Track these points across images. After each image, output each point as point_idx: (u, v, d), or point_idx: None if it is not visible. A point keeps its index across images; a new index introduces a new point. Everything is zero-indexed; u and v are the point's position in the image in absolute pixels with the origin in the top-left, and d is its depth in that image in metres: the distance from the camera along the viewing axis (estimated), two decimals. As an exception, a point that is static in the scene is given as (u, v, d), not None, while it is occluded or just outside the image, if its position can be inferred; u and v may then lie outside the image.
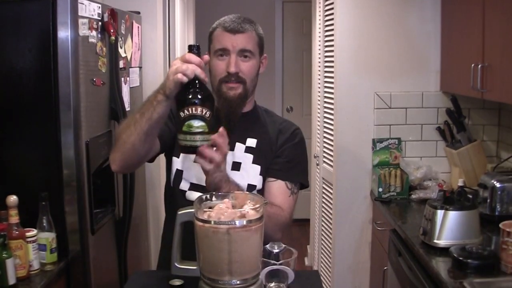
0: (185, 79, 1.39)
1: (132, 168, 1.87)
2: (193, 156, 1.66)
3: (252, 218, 1.37)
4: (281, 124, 1.88)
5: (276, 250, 1.54)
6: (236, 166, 1.76)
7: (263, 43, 1.80)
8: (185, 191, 1.76)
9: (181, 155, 1.77)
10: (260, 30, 1.80)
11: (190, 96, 1.39)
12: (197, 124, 1.38)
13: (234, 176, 1.70)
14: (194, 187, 1.75)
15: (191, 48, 1.44)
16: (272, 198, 1.75)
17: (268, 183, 1.80)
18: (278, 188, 1.79)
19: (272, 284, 1.46)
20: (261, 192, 1.79)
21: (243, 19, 1.75)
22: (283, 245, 1.55)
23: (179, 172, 1.77)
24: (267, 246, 1.54)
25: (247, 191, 1.72)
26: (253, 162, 1.78)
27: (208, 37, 1.79)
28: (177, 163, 1.78)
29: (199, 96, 1.40)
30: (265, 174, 1.79)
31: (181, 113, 1.39)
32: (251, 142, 1.79)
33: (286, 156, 1.81)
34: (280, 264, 1.48)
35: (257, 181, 1.77)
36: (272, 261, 1.48)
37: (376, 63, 3.11)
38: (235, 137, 1.76)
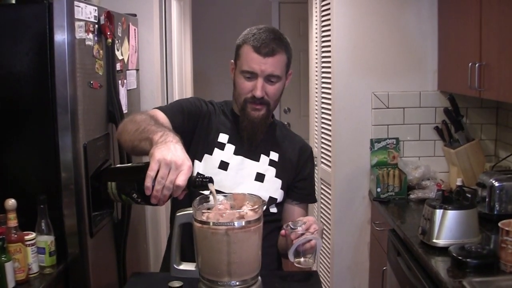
0: (159, 204, 1.33)
1: None
2: (216, 163, 1.73)
3: (251, 219, 1.37)
4: (299, 142, 1.92)
5: (299, 227, 1.57)
6: (260, 177, 1.79)
7: (291, 59, 1.81)
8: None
9: (204, 159, 1.76)
10: (289, 45, 1.79)
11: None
12: (132, 203, 1.46)
13: (257, 187, 1.74)
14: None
15: (198, 182, 1.38)
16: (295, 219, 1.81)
17: (293, 206, 1.86)
18: (302, 209, 1.88)
19: (302, 259, 1.50)
20: (281, 205, 1.83)
21: (274, 36, 1.73)
22: (303, 221, 1.60)
23: None
24: (290, 223, 1.58)
25: (268, 204, 1.77)
26: (276, 176, 1.80)
27: (236, 49, 1.76)
28: (199, 167, 1.75)
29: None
30: (285, 189, 1.82)
31: (133, 192, 1.39)
32: (274, 155, 1.83)
33: (311, 180, 1.90)
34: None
35: (278, 194, 1.81)
36: (301, 230, 1.54)
37: (373, 63, 3.11)
38: (260, 149, 1.81)
